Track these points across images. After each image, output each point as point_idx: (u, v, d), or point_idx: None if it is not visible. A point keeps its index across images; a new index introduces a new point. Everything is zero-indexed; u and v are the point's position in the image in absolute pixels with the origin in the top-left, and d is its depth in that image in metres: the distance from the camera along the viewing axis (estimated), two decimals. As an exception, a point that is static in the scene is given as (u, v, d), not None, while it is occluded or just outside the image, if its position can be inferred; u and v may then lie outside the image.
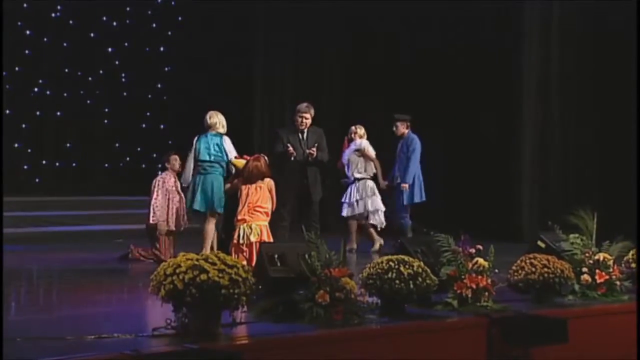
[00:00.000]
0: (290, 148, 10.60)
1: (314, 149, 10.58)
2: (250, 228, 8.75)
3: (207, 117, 10.37)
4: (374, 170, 12.45)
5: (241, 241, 8.76)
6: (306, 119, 10.71)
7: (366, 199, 12.33)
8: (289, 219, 10.57)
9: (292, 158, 10.64)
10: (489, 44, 14.53)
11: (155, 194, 10.75)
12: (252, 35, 17.09)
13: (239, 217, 8.86)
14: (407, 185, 12.15)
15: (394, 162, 12.54)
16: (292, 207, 10.68)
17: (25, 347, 5.42)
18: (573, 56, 14.24)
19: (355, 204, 12.33)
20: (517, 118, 14.47)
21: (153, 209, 10.70)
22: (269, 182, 8.99)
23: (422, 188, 12.33)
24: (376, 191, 12.40)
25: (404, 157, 12.30)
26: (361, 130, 12.45)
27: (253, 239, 8.71)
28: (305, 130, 10.81)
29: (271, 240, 8.79)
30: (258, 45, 17.11)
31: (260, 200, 8.87)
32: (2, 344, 5.25)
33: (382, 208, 12.35)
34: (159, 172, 11.41)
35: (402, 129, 12.46)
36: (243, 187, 8.93)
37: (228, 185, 9.76)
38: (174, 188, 10.83)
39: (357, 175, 12.36)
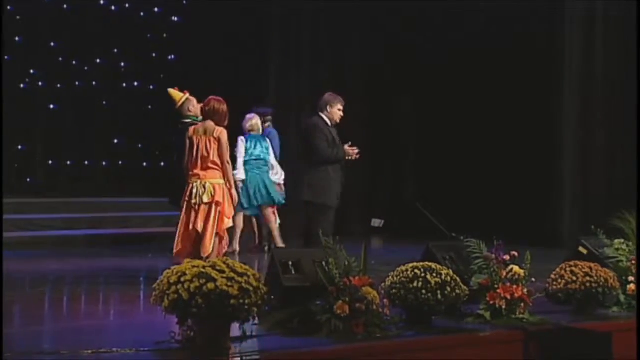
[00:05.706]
0: (350, 149, 9.75)
1: (357, 150, 9.70)
2: (204, 187, 8.86)
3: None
4: None
5: (194, 200, 8.86)
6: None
7: None
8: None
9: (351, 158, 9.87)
10: (529, 41, 14.51)
11: None
12: (265, 21, 17.07)
13: (193, 172, 8.94)
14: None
15: None
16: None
17: (17, 363, 5.48)
18: (617, 55, 14.22)
19: None
20: (558, 116, 14.45)
21: None
22: (221, 131, 9.00)
23: None
24: None
25: None
26: None
27: (206, 199, 8.85)
28: None
29: (226, 199, 8.87)
30: (272, 32, 17.09)
31: (213, 154, 8.93)
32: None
33: None
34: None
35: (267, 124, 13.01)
36: (194, 137, 8.98)
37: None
38: None
39: None
